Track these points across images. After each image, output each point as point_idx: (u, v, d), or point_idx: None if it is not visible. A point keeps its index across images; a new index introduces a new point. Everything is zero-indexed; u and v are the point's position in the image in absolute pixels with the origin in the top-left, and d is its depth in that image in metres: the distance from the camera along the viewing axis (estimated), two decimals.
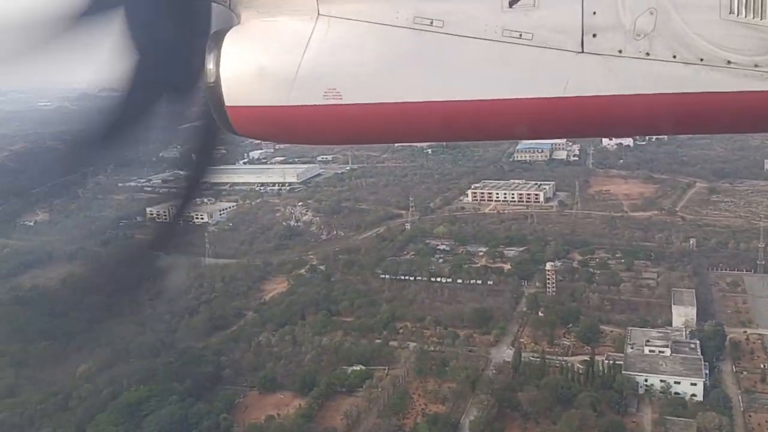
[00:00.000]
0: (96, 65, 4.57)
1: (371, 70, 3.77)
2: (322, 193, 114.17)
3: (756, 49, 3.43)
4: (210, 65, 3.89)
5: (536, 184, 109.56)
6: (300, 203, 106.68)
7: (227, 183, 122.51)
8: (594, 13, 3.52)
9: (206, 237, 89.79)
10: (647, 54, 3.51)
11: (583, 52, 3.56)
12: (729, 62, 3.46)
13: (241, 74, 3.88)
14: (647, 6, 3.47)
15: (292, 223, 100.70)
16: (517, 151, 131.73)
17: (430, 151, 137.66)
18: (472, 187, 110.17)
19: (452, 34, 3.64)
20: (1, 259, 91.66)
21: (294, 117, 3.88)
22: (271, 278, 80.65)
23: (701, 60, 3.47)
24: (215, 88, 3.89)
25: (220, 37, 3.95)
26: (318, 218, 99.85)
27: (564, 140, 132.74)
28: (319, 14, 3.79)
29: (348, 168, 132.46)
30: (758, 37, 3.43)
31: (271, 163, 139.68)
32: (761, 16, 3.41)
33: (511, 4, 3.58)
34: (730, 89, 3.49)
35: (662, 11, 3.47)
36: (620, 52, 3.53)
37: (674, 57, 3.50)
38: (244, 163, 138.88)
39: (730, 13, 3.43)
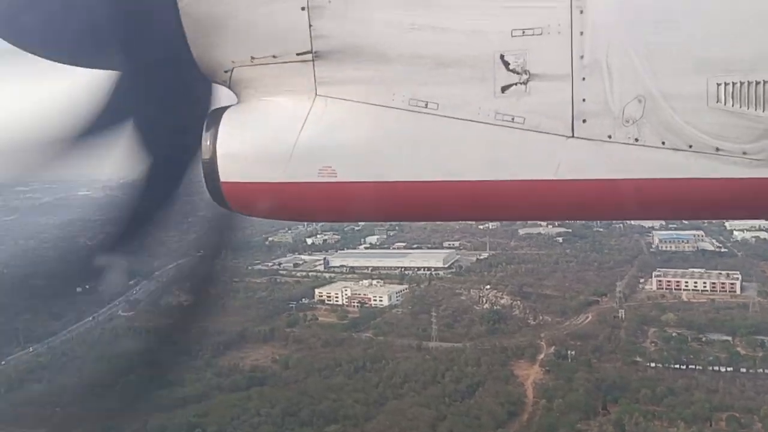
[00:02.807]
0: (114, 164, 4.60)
1: (366, 149, 3.81)
2: (487, 278, 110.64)
3: (744, 136, 3.46)
4: (207, 142, 3.93)
5: (720, 273, 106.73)
6: (487, 287, 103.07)
7: (367, 267, 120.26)
8: (584, 100, 3.56)
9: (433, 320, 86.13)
10: (636, 140, 3.53)
11: (573, 136, 3.59)
12: (718, 149, 3.48)
13: (237, 151, 3.93)
14: (635, 94, 3.51)
15: (485, 306, 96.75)
16: (661, 241, 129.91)
17: (561, 239, 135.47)
18: (653, 275, 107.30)
19: (446, 116, 3.69)
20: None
21: (289, 193, 3.91)
22: (513, 363, 75.98)
23: (690, 147, 3.50)
24: (211, 164, 3.92)
25: (218, 114, 3.99)
26: (516, 302, 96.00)
27: (700, 232, 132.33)
28: (316, 95, 3.84)
29: (487, 254, 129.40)
30: (745, 125, 3.45)
31: (394, 248, 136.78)
32: (747, 105, 3.42)
33: (503, 90, 3.62)
34: (720, 176, 3.50)
35: (650, 99, 3.50)
36: (610, 137, 3.56)
37: (663, 143, 3.52)
38: (365, 248, 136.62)
39: (717, 102, 3.44)
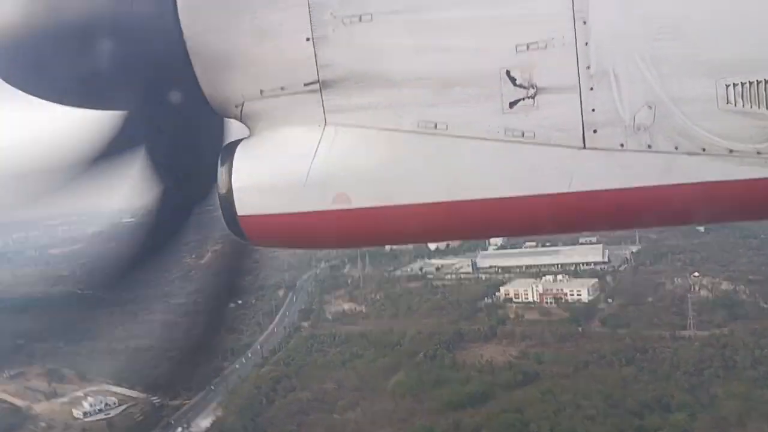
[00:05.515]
0: (124, 194, 4.60)
1: (378, 174, 3.79)
2: (667, 267, 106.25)
3: (757, 136, 3.41)
4: (222, 176, 3.93)
5: None
6: (696, 274, 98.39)
7: (518, 266, 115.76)
8: (593, 110, 3.52)
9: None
10: (649, 146, 3.50)
11: (585, 147, 3.57)
12: (731, 151, 3.44)
13: (252, 184, 3.92)
14: (645, 101, 3.45)
15: (701, 293, 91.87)
16: None
17: (702, 229, 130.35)
18: None
19: (456, 136, 3.66)
20: None
21: (304, 223, 3.92)
22: None
23: (703, 150, 3.45)
24: (227, 198, 3.94)
25: (232, 148, 3.99)
26: (740, 287, 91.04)
27: None
28: (326, 123, 3.83)
29: (637, 247, 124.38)
30: (758, 125, 3.40)
31: (524, 248, 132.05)
32: (758, 105, 3.37)
33: (511, 105, 3.59)
34: (734, 177, 3.46)
35: (660, 105, 3.45)
36: (622, 146, 3.53)
37: (676, 148, 3.49)
38: (495, 249, 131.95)
39: (727, 103, 3.37)
